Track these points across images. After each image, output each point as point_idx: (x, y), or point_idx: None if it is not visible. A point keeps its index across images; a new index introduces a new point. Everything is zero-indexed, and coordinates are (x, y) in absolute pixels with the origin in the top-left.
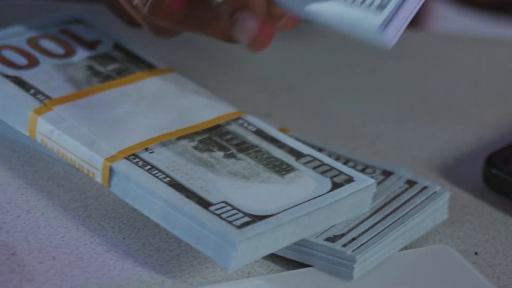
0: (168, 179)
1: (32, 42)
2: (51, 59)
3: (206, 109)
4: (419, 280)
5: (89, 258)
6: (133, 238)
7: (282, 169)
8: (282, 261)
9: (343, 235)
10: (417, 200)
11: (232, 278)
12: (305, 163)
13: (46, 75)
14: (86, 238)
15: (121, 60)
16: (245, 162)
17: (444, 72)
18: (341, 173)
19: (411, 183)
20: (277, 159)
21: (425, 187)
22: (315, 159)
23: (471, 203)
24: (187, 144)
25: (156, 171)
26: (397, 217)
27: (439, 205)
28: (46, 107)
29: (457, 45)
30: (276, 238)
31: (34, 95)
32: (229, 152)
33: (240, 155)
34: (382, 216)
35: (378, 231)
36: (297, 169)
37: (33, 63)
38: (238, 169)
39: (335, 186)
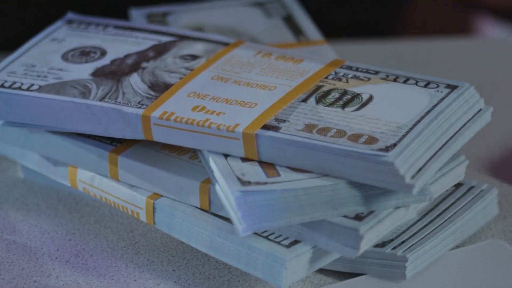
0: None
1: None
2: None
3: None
4: (472, 275)
5: None
6: (183, 269)
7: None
8: (333, 274)
9: (392, 240)
10: (465, 199)
11: None
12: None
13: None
14: (136, 274)
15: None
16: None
17: (491, 73)
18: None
19: (457, 185)
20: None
21: (471, 187)
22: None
23: None
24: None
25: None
26: (445, 218)
27: (488, 202)
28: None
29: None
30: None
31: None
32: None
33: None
34: (430, 219)
35: (427, 232)
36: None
37: None
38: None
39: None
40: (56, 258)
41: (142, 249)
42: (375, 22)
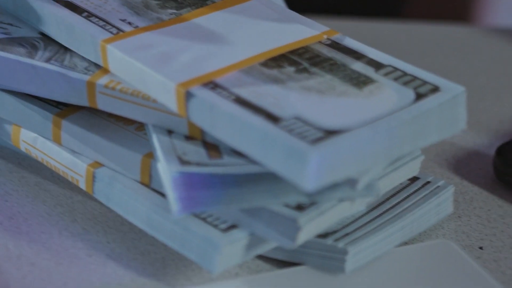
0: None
1: None
2: None
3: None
4: (416, 275)
5: (70, 264)
6: (118, 242)
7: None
8: (272, 261)
9: (335, 231)
10: (418, 195)
11: (219, 279)
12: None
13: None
14: (69, 243)
15: None
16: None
17: (467, 65)
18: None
19: (413, 178)
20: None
21: (427, 182)
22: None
23: (480, 196)
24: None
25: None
26: (395, 213)
27: (443, 199)
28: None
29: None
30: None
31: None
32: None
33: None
34: (380, 212)
35: (374, 226)
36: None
37: None
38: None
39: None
40: None
41: (79, 217)
42: (377, 5)
